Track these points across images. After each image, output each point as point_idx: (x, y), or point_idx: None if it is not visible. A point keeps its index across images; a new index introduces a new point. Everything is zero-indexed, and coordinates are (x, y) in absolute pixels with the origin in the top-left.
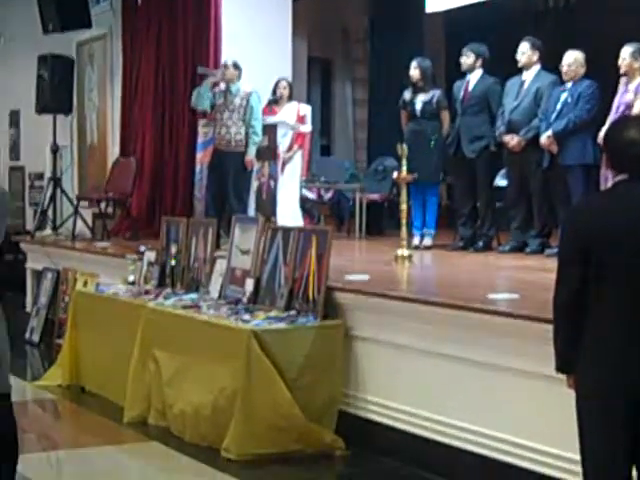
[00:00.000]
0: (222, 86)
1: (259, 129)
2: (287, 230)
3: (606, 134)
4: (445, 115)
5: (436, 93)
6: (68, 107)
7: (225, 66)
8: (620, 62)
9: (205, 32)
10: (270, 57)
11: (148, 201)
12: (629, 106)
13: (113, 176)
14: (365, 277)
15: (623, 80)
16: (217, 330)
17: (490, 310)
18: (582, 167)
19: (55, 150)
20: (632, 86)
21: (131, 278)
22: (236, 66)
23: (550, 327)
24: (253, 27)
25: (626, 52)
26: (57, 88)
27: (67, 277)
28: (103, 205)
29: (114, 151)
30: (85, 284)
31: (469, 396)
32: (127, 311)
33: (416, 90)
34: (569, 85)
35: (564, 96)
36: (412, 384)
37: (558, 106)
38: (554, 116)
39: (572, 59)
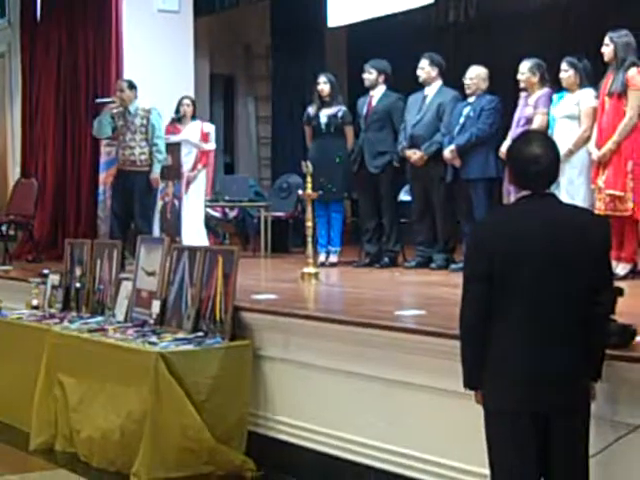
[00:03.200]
0: (120, 107)
1: (162, 147)
2: (193, 250)
3: (509, 150)
4: (350, 131)
5: (341, 108)
6: None
7: (120, 89)
8: (519, 77)
9: (106, 50)
10: (172, 75)
11: (51, 223)
12: (529, 120)
13: (14, 197)
14: (272, 296)
15: (523, 94)
16: (124, 353)
17: (397, 327)
18: (485, 181)
19: None
20: (531, 100)
21: (35, 302)
22: (131, 86)
23: (457, 343)
24: (155, 44)
25: (524, 67)
26: None
27: None
28: (4, 227)
29: (15, 172)
30: None
31: (378, 413)
32: (31, 336)
33: (321, 105)
34: (472, 99)
35: (467, 110)
36: (321, 403)
37: (461, 120)
38: (457, 130)
39: (474, 74)
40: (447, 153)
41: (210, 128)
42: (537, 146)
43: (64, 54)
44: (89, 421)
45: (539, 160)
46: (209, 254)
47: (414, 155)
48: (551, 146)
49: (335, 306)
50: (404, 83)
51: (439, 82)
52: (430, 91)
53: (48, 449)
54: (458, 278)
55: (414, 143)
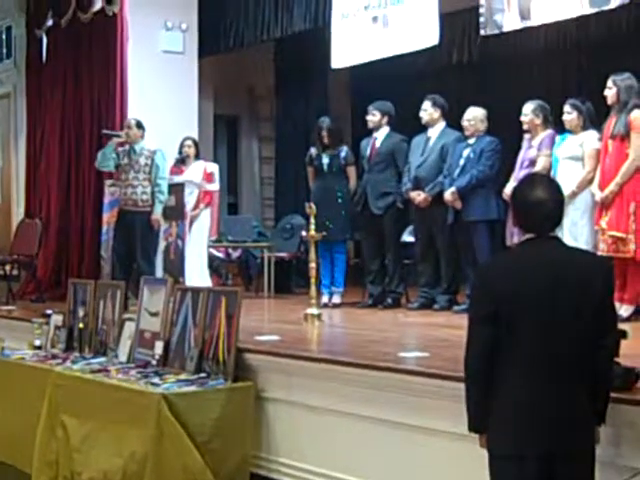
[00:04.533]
0: (126, 146)
1: (165, 188)
2: (196, 291)
3: (513, 193)
4: (352, 171)
5: (343, 149)
6: None
7: (128, 126)
8: (522, 118)
9: (111, 91)
10: (177, 115)
11: (54, 263)
12: (533, 162)
13: (18, 237)
14: (275, 337)
15: (527, 136)
16: (126, 394)
17: (400, 369)
18: (486, 222)
19: None
20: (535, 142)
21: (38, 342)
22: (139, 125)
23: (461, 385)
24: (159, 85)
25: (528, 109)
26: None
27: None
28: (8, 267)
29: (19, 212)
30: None
31: (382, 456)
32: (34, 376)
33: (323, 147)
34: (472, 141)
35: (467, 152)
36: (324, 445)
37: (461, 162)
38: (457, 172)
39: (471, 116)
40: (448, 195)
41: (214, 168)
42: (542, 190)
43: (69, 94)
44: (91, 462)
45: (544, 204)
46: (212, 295)
47: (418, 197)
48: (555, 189)
49: (338, 348)
50: (407, 124)
51: (442, 124)
52: (433, 133)
53: None
54: (461, 320)
55: (418, 184)
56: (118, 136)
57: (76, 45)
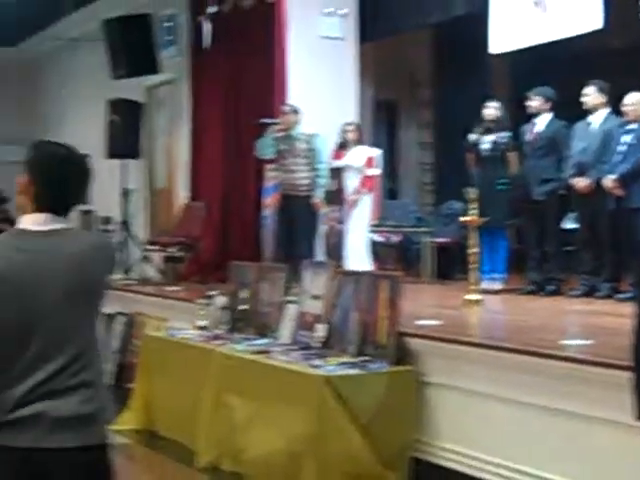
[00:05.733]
0: (284, 132)
1: (325, 172)
2: (358, 275)
3: None
4: (513, 157)
5: (503, 135)
6: (137, 151)
7: (284, 112)
8: None
9: (271, 77)
10: (337, 101)
11: (217, 245)
12: None
13: (182, 220)
14: (436, 322)
15: None
16: (289, 376)
17: (563, 356)
18: None
19: (125, 194)
20: None
21: (202, 323)
22: (295, 111)
23: (627, 374)
24: (319, 71)
25: None
26: (127, 132)
27: (138, 321)
28: (172, 249)
29: (183, 195)
30: (156, 328)
31: (544, 444)
32: (198, 356)
33: (483, 131)
34: (632, 126)
35: (628, 138)
36: (485, 431)
37: (622, 148)
38: (619, 158)
39: (633, 100)
40: (608, 182)
41: (375, 153)
42: None
43: (230, 80)
44: (254, 442)
45: None
46: (373, 279)
47: (581, 183)
48: None
49: (499, 333)
50: (567, 110)
51: (606, 109)
52: (596, 118)
53: (214, 467)
54: (624, 308)
55: (580, 171)
56: (275, 124)
57: (237, 32)
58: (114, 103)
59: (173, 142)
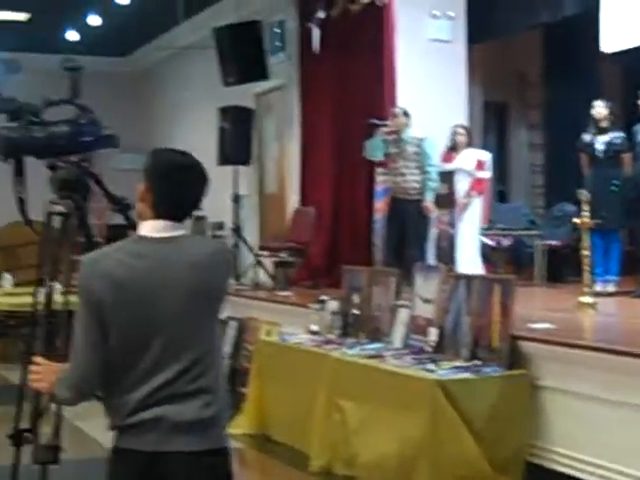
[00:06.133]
0: (394, 135)
1: (435, 175)
2: (470, 278)
3: None
4: (627, 158)
5: (618, 135)
6: (248, 157)
7: (394, 115)
8: None
9: (380, 80)
10: (446, 103)
11: (327, 250)
12: None
13: (293, 225)
14: (549, 325)
15: None
16: (402, 380)
17: None
18: None
19: (236, 200)
20: None
21: (314, 327)
22: (406, 114)
23: None
24: (428, 74)
25: None
26: (238, 139)
27: (250, 326)
28: (283, 254)
29: (293, 200)
30: (268, 333)
31: None
32: (311, 360)
33: (597, 132)
34: None
35: None
36: (601, 436)
37: None
38: None
39: None
40: None
41: (486, 156)
42: None
43: (339, 85)
44: (367, 446)
45: None
46: (486, 282)
47: None
48: None
49: (614, 337)
50: None
51: None
52: None
53: (327, 472)
54: None
55: None
56: (385, 125)
57: (346, 36)
58: (225, 110)
59: (283, 147)
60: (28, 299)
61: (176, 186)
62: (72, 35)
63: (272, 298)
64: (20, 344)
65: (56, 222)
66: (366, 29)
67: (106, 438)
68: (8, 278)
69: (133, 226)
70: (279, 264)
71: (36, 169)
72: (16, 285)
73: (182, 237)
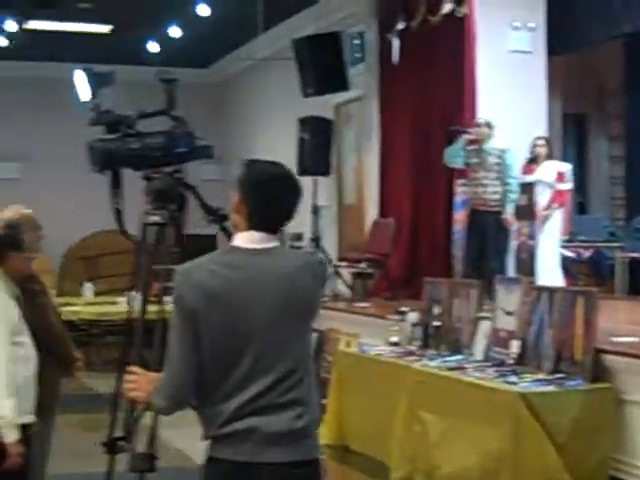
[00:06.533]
0: (475, 145)
1: (516, 187)
2: (552, 291)
3: None
4: None
5: None
6: (327, 168)
7: (478, 124)
8: None
9: (460, 91)
10: (526, 115)
11: (406, 261)
12: None
13: (372, 236)
14: (634, 339)
15: None
16: (483, 392)
17: None
18: None
19: (315, 211)
20: None
21: (394, 339)
22: (489, 125)
23: None
24: (508, 85)
25: None
26: (317, 149)
27: (330, 337)
28: (362, 265)
29: (372, 211)
30: (347, 344)
31: None
32: (391, 372)
33: None
34: None
35: None
36: None
37: None
38: None
39: None
40: None
41: (566, 168)
42: None
43: (419, 96)
44: (448, 458)
45: None
46: (568, 295)
47: None
48: None
49: None
50: None
51: None
52: None
53: None
54: None
55: None
56: (466, 132)
57: (426, 47)
58: (304, 121)
59: (362, 158)
60: (109, 308)
61: (269, 197)
62: (153, 47)
63: (351, 309)
64: (103, 352)
65: (151, 233)
66: (446, 40)
67: (189, 447)
68: (90, 287)
69: (228, 235)
70: (358, 275)
71: (132, 181)
72: (97, 294)
73: (275, 249)
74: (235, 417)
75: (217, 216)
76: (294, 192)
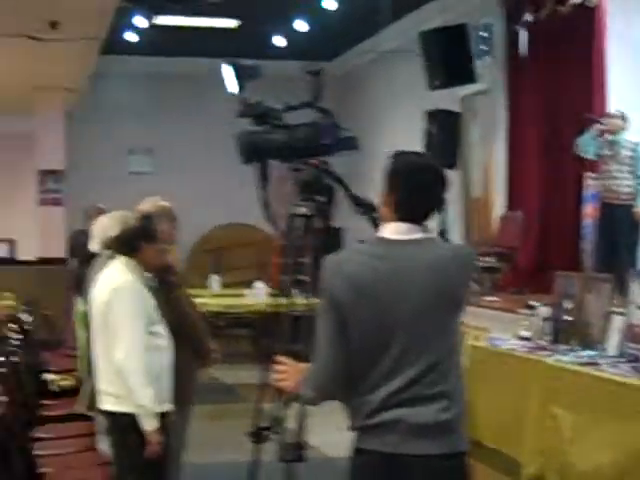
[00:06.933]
0: (608, 136)
1: None
2: None
3: None
4: None
5: None
6: (454, 161)
7: (611, 116)
8: None
9: (591, 84)
10: None
11: (535, 255)
12: None
13: (500, 230)
14: None
15: None
16: (620, 388)
17: None
18: None
19: None
20: None
21: (525, 333)
22: (623, 117)
23: None
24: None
25: None
26: (444, 142)
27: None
28: (490, 259)
29: (499, 205)
30: (475, 338)
31: None
32: (523, 366)
33: None
34: None
35: None
36: None
37: None
38: None
39: None
40: None
41: None
42: None
43: (547, 89)
44: (583, 455)
45: None
46: None
47: None
48: None
49: None
50: None
51: None
52: None
53: (539, 479)
54: None
55: None
56: (599, 122)
57: (554, 39)
58: (431, 114)
59: (489, 151)
60: (235, 300)
61: (416, 188)
62: (279, 40)
63: (478, 303)
64: (232, 344)
65: (298, 224)
66: (576, 31)
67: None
68: (216, 280)
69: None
70: (485, 269)
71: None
72: (224, 287)
73: (423, 240)
74: (382, 407)
75: (365, 207)
76: (440, 183)
